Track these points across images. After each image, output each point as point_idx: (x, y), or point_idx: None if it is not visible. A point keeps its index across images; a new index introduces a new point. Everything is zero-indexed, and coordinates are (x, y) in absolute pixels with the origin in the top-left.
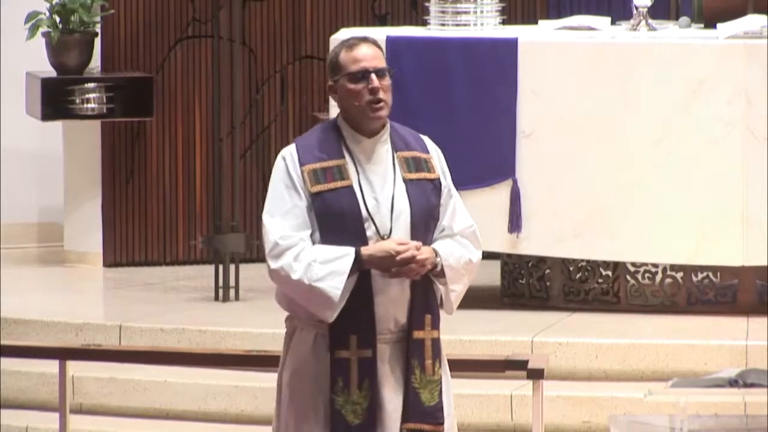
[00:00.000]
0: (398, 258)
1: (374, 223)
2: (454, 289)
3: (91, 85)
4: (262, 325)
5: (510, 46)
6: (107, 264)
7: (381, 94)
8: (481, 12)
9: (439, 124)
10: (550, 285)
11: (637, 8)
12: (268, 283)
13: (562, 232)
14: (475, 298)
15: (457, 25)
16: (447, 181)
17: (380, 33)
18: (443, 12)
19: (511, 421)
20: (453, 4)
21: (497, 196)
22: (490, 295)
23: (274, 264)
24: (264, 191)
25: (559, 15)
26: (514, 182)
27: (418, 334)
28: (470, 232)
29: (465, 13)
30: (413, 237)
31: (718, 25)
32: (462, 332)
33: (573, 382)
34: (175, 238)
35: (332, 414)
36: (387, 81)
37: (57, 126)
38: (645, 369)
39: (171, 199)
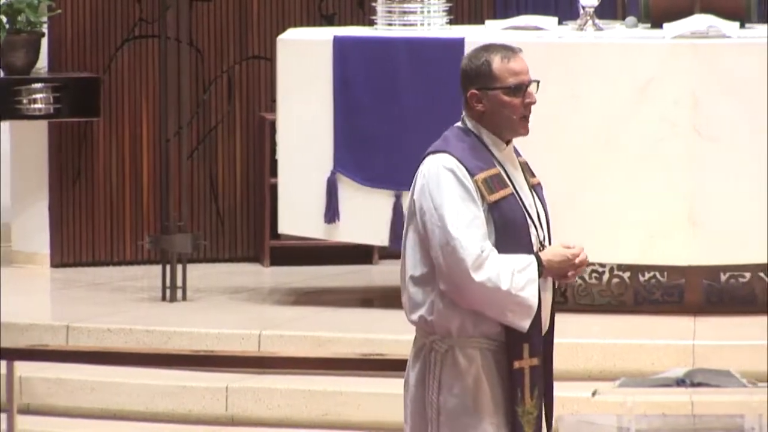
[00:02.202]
0: (577, 260)
1: (536, 230)
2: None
3: (38, 85)
4: (208, 325)
5: (457, 46)
6: (54, 264)
7: (531, 108)
8: (428, 12)
9: (386, 124)
10: None
11: (583, 8)
12: (214, 283)
13: None
14: None
15: (404, 24)
16: None
17: (327, 33)
18: (390, 12)
19: None
20: (400, 4)
21: None
22: None
23: (479, 276)
24: (211, 192)
25: (505, 15)
26: None
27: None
28: None
29: (412, 13)
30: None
31: (665, 24)
32: None
33: None
34: (123, 238)
35: (514, 427)
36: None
37: (4, 126)
38: (592, 368)
39: (118, 199)
